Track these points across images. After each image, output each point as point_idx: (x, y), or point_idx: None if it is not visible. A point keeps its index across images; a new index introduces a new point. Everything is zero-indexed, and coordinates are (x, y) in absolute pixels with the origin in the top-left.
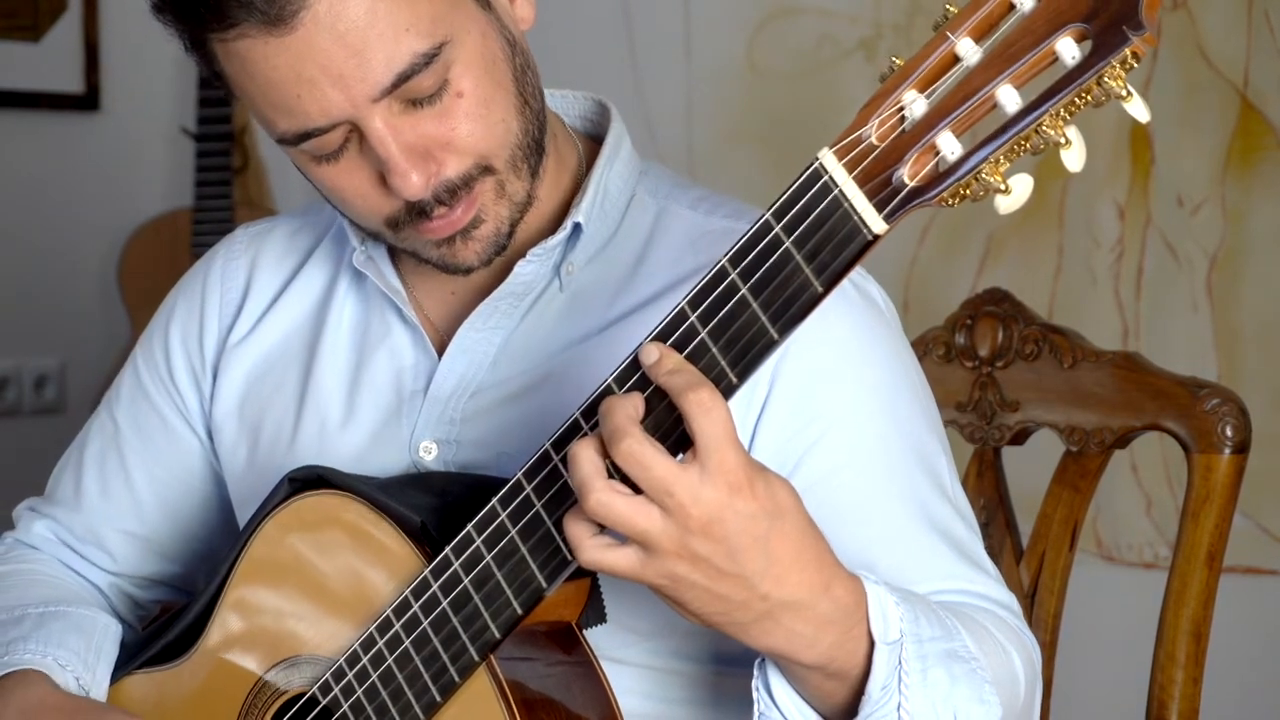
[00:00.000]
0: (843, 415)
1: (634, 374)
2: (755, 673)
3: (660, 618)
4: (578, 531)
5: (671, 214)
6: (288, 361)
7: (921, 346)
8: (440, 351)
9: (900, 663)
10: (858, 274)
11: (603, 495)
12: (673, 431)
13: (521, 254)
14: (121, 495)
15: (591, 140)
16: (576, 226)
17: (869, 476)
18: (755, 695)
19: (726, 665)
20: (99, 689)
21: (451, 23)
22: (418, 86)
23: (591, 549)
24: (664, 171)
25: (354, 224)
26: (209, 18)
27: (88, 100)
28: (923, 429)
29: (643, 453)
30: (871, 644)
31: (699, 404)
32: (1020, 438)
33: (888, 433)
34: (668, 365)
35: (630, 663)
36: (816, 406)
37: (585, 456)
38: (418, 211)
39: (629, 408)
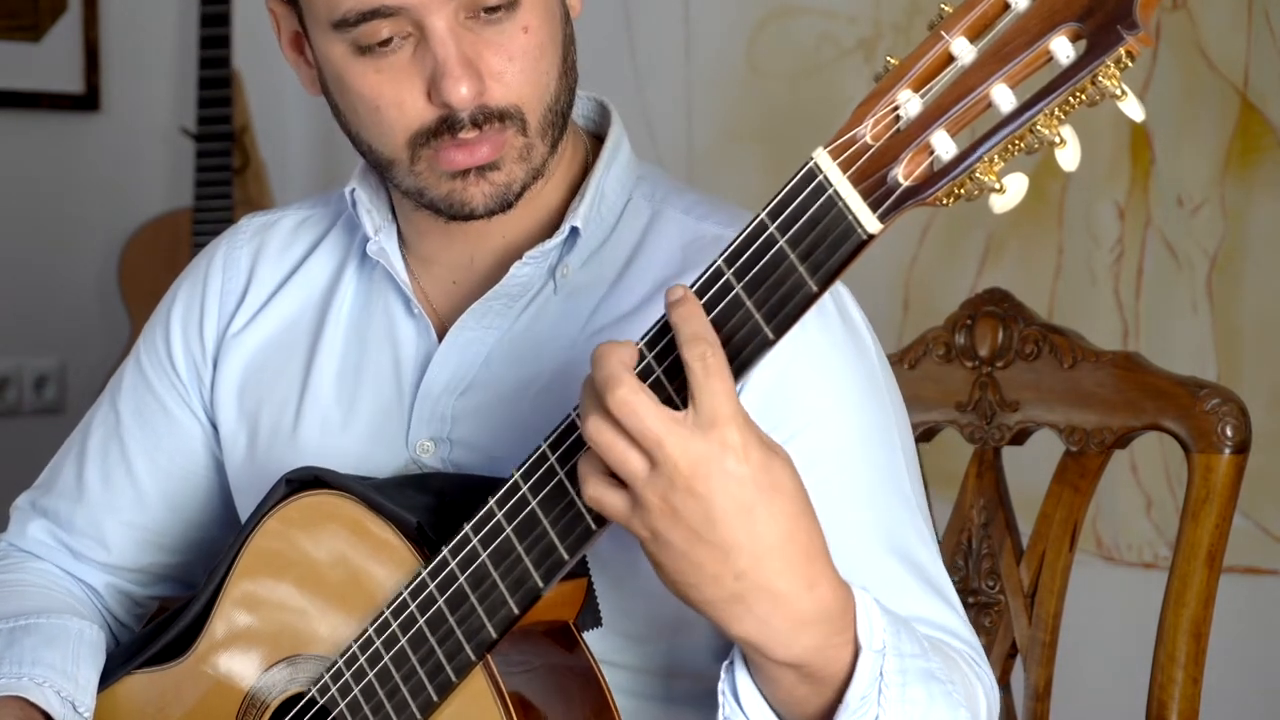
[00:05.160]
0: (809, 424)
1: None
2: (722, 675)
3: (653, 622)
4: (587, 467)
5: (665, 218)
6: (290, 350)
7: (921, 346)
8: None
9: (881, 674)
10: (840, 291)
11: (599, 422)
12: (675, 391)
13: (518, 257)
14: (123, 485)
15: (592, 138)
16: (574, 230)
17: (833, 491)
18: (720, 699)
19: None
20: (85, 694)
21: None
22: None
23: (595, 484)
24: (662, 176)
25: (370, 179)
26: None
27: (88, 100)
28: (895, 452)
29: (636, 401)
30: (855, 652)
31: (700, 357)
32: (1020, 438)
33: (857, 450)
34: (686, 310)
35: (624, 665)
36: (782, 413)
37: (586, 390)
38: (448, 127)
39: (623, 354)
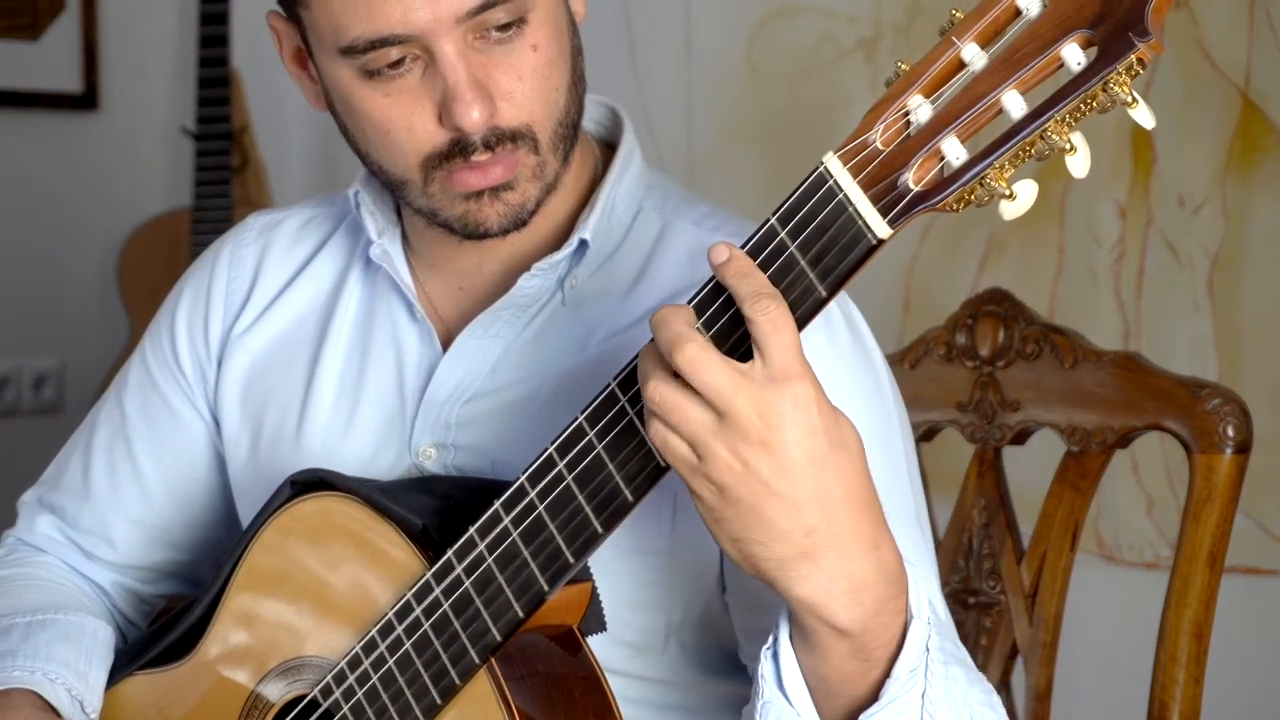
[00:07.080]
0: None
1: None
2: (762, 659)
3: (653, 632)
4: (648, 414)
5: (675, 229)
6: (294, 353)
7: (922, 346)
8: (446, 348)
9: (928, 648)
10: (846, 300)
11: (660, 384)
12: (733, 347)
13: (527, 265)
14: (129, 483)
15: (603, 145)
16: (582, 242)
17: None
18: (759, 684)
19: (723, 676)
20: (93, 695)
21: None
22: (495, 18)
23: (660, 428)
24: (672, 186)
25: (375, 181)
26: None
27: (87, 100)
28: (898, 465)
29: (706, 357)
30: (903, 625)
31: (764, 311)
32: (1021, 438)
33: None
34: (737, 267)
35: (627, 674)
36: None
37: (647, 354)
38: (460, 150)
39: (685, 314)
